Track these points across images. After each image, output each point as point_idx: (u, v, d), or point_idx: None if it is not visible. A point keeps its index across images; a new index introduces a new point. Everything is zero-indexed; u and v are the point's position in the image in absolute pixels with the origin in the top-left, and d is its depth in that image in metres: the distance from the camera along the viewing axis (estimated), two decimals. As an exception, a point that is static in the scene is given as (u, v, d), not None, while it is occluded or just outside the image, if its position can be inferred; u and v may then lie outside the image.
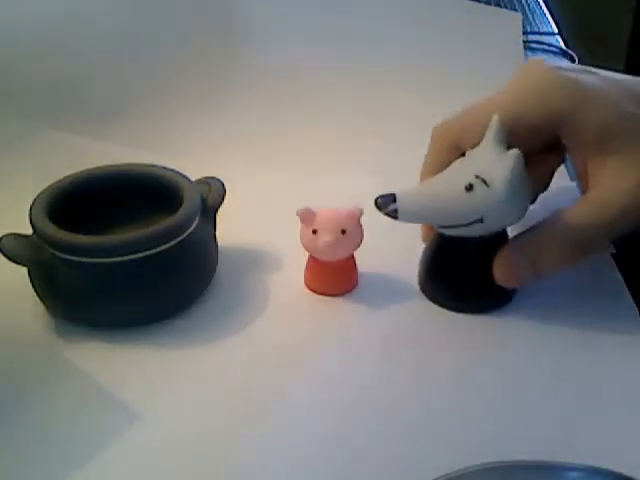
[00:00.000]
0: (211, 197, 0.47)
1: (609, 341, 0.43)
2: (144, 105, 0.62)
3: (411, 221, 0.43)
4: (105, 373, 0.41)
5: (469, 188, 0.41)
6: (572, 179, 0.57)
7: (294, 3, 0.76)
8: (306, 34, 0.72)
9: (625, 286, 0.46)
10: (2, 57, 0.60)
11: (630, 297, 0.46)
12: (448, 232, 0.43)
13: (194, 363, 0.42)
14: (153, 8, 0.67)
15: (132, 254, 0.41)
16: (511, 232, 0.44)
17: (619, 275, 0.47)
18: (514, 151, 0.41)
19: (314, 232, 0.43)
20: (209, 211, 0.46)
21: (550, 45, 0.78)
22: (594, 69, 0.46)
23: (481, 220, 0.41)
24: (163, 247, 0.42)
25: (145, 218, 0.45)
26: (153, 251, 0.42)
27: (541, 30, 0.81)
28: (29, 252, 0.42)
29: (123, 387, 0.40)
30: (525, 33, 0.78)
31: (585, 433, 0.37)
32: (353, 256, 0.46)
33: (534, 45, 0.78)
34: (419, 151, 0.48)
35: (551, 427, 0.38)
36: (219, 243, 0.47)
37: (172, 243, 0.43)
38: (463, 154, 0.44)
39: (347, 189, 0.53)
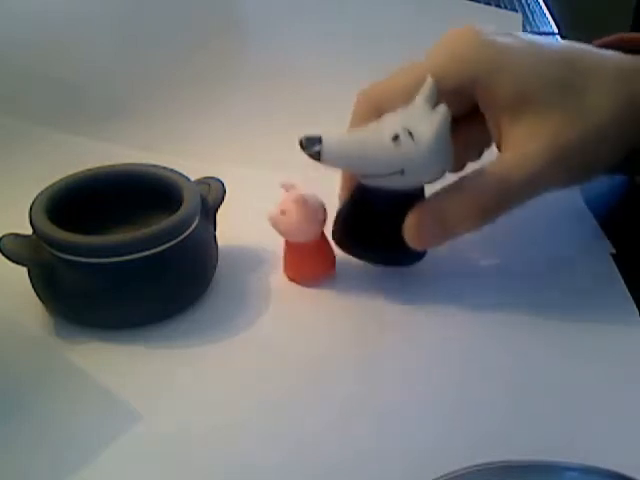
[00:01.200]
0: (211, 197, 0.47)
1: (609, 341, 0.43)
2: (144, 105, 0.62)
3: (333, 165, 0.43)
4: (105, 373, 0.41)
5: (395, 138, 0.41)
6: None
7: (295, 3, 0.76)
8: (306, 34, 0.72)
9: (625, 286, 0.46)
10: (2, 57, 0.60)
11: (630, 297, 0.46)
12: (368, 182, 0.43)
13: (194, 363, 0.42)
14: (153, 8, 0.67)
15: (132, 254, 0.41)
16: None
17: (619, 275, 0.47)
18: (442, 107, 0.42)
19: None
20: (209, 211, 0.46)
21: (550, 45, 0.78)
22: (518, 33, 0.47)
23: (402, 172, 0.42)
24: (163, 247, 0.42)
25: (145, 218, 0.45)
26: (153, 251, 0.42)
27: (541, 30, 0.81)
28: (29, 252, 0.42)
29: (123, 387, 0.40)
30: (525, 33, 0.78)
31: (585, 433, 0.37)
32: (322, 241, 0.46)
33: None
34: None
35: (551, 427, 0.38)
36: (219, 243, 0.47)
37: (172, 243, 0.43)
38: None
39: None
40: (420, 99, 0.43)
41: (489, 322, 0.44)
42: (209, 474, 0.36)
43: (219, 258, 0.47)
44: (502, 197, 0.44)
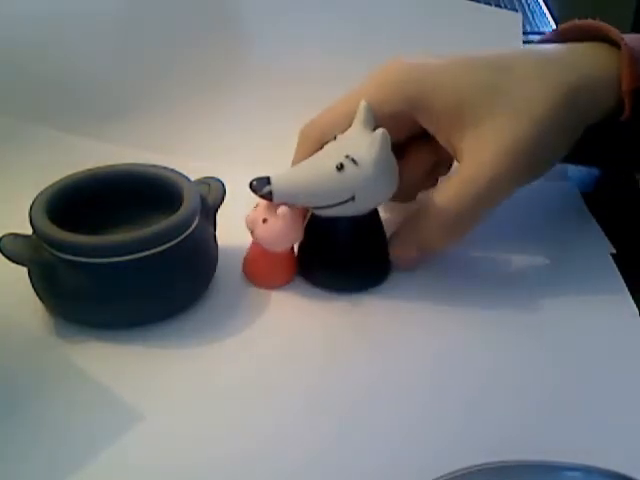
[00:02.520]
0: (211, 197, 0.47)
1: (609, 341, 0.43)
2: (144, 105, 0.62)
3: (286, 202, 0.44)
4: (105, 373, 0.41)
5: (340, 167, 0.42)
6: (572, 179, 0.57)
7: (295, 3, 0.76)
8: (308, 34, 0.72)
9: (625, 286, 0.46)
10: (2, 57, 0.59)
11: (630, 297, 0.46)
12: (323, 213, 0.44)
13: (194, 363, 0.42)
14: (153, 8, 0.66)
15: (132, 254, 0.41)
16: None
17: (619, 275, 0.47)
18: (380, 130, 0.42)
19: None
20: (209, 211, 0.46)
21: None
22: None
23: (353, 198, 0.43)
24: (163, 247, 0.42)
25: (145, 218, 0.45)
26: (153, 251, 0.42)
27: (541, 30, 0.81)
28: (29, 252, 0.42)
29: (123, 387, 0.40)
30: (525, 33, 0.78)
31: (585, 433, 0.37)
32: (290, 254, 0.46)
33: (534, 45, 0.78)
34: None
35: (551, 427, 0.38)
36: (219, 243, 0.47)
37: (172, 243, 0.43)
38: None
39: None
40: (357, 124, 0.44)
41: (488, 322, 0.44)
42: (209, 474, 0.36)
43: (219, 258, 0.47)
44: (465, 213, 0.44)
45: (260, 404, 0.39)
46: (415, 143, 0.48)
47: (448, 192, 0.45)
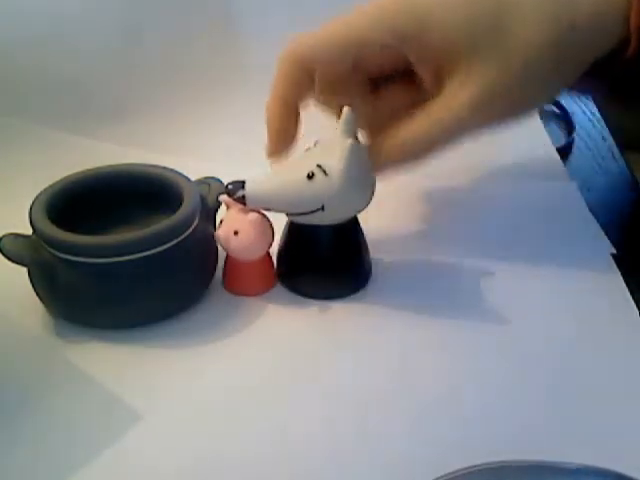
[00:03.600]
0: (211, 197, 0.47)
1: (609, 341, 0.43)
2: (144, 105, 0.62)
3: (260, 206, 0.44)
4: (105, 373, 0.41)
5: (310, 176, 0.42)
6: (572, 179, 0.57)
7: (295, 3, 0.76)
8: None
9: (625, 286, 0.46)
10: (2, 57, 0.60)
11: (630, 297, 0.46)
12: (296, 220, 0.44)
13: (194, 363, 0.42)
14: (154, 8, 0.67)
15: (132, 254, 0.41)
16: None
17: (619, 275, 0.47)
18: (348, 141, 0.42)
19: (221, 222, 0.45)
20: (209, 211, 0.46)
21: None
22: None
23: (322, 208, 0.43)
24: (163, 247, 0.42)
25: (145, 218, 0.45)
26: (153, 251, 0.42)
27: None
28: (29, 252, 0.42)
29: (123, 387, 0.40)
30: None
31: (585, 433, 0.37)
32: (267, 258, 0.46)
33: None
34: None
35: (551, 427, 0.38)
36: (219, 243, 0.47)
37: (172, 243, 0.43)
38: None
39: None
40: (339, 132, 0.44)
41: (487, 322, 0.44)
42: (209, 474, 0.36)
43: (219, 258, 0.47)
44: (429, 144, 0.44)
45: (261, 404, 0.39)
46: (394, 79, 0.47)
47: (412, 126, 0.44)
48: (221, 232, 0.44)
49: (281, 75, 0.46)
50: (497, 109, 0.45)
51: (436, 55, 0.44)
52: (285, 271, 0.47)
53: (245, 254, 0.45)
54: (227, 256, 0.46)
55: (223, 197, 0.44)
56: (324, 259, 0.46)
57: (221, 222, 0.45)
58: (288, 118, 0.47)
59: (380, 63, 0.45)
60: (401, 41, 0.44)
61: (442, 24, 0.44)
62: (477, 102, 0.43)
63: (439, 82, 0.45)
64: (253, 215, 0.44)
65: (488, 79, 0.43)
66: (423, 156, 0.45)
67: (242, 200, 0.43)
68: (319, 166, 0.42)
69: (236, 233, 0.44)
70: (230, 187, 0.43)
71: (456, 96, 0.44)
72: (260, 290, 0.46)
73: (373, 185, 0.44)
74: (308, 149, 0.44)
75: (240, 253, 0.45)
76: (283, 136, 0.47)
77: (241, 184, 0.43)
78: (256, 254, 0.45)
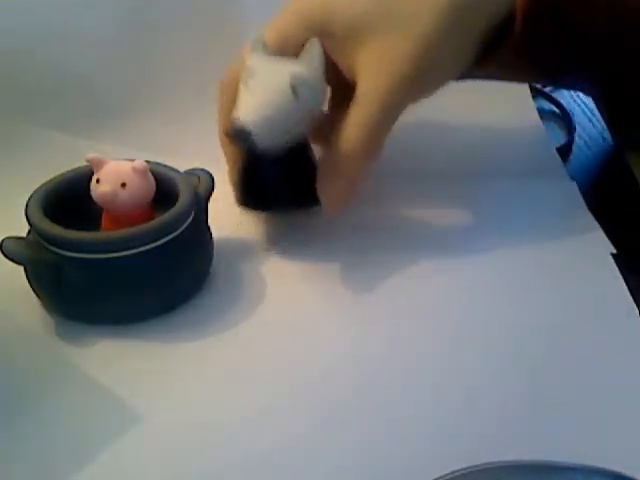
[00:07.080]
0: (201, 189, 0.47)
1: (609, 341, 0.43)
2: (143, 105, 0.62)
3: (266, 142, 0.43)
4: (105, 371, 0.41)
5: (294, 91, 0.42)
6: (572, 179, 0.57)
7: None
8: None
9: (625, 286, 0.46)
10: (2, 57, 0.59)
11: (630, 297, 0.46)
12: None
13: (193, 358, 0.42)
14: (153, 8, 0.67)
15: (130, 249, 0.42)
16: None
17: (619, 275, 0.47)
18: (312, 39, 0.43)
19: (97, 181, 0.43)
20: (201, 203, 0.46)
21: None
22: None
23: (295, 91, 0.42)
24: (163, 240, 0.42)
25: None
26: (151, 246, 0.42)
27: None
28: (29, 251, 0.42)
29: (123, 386, 0.40)
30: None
31: (585, 433, 0.37)
32: (150, 211, 0.45)
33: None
34: (417, 152, 0.48)
35: (551, 427, 0.38)
36: (214, 237, 0.47)
37: (170, 237, 0.43)
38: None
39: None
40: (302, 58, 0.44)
41: (486, 323, 0.44)
42: (209, 473, 0.36)
43: (215, 252, 0.47)
44: (367, 136, 0.44)
45: (260, 399, 0.39)
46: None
47: (350, 118, 0.44)
48: (103, 190, 0.42)
49: (224, 100, 0.48)
50: (417, 84, 0.45)
51: (342, 44, 0.44)
52: (248, 196, 0.49)
53: (138, 203, 0.43)
54: (104, 216, 0.44)
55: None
56: (287, 174, 0.47)
57: (97, 181, 0.43)
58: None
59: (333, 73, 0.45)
60: (315, 34, 0.44)
61: (342, 10, 0.45)
62: (394, 82, 0.43)
63: (352, 74, 0.45)
64: (140, 162, 0.43)
65: (398, 58, 0.43)
66: (376, 149, 0.45)
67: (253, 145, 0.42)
68: (293, 74, 0.42)
69: (123, 185, 0.43)
70: (235, 134, 0.42)
71: (374, 82, 0.44)
72: None
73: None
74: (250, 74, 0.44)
75: (132, 203, 0.43)
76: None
77: (248, 133, 0.42)
78: (148, 199, 0.44)
